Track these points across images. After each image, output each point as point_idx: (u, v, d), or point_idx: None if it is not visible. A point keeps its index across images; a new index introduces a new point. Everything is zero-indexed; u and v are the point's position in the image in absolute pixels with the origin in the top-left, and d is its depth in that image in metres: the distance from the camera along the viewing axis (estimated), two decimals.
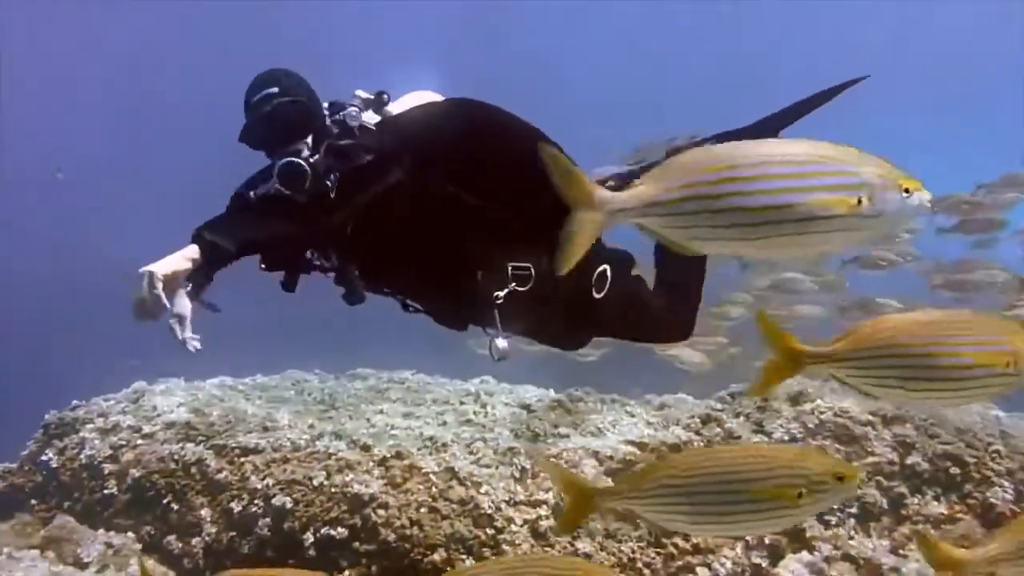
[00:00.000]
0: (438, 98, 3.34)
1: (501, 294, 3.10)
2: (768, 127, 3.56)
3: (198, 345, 2.85)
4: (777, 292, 7.86)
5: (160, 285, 2.57)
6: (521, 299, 3.15)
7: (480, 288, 3.10)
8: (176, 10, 22.25)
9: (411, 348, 8.19)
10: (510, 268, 3.13)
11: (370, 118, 3.10)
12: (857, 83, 3.58)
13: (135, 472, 4.91)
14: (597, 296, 3.35)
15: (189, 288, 2.97)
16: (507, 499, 4.63)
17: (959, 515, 4.56)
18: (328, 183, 2.93)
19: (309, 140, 2.98)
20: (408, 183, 2.99)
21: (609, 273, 3.38)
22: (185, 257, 2.69)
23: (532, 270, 3.16)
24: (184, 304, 2.89)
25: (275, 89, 2.98)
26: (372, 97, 3.13)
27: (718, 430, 5.22)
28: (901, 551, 4.38)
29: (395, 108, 3.19)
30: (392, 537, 4.43)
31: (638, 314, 3.62)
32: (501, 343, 3.17)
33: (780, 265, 7.87)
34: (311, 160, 2.92)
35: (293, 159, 2.90)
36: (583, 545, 4.41)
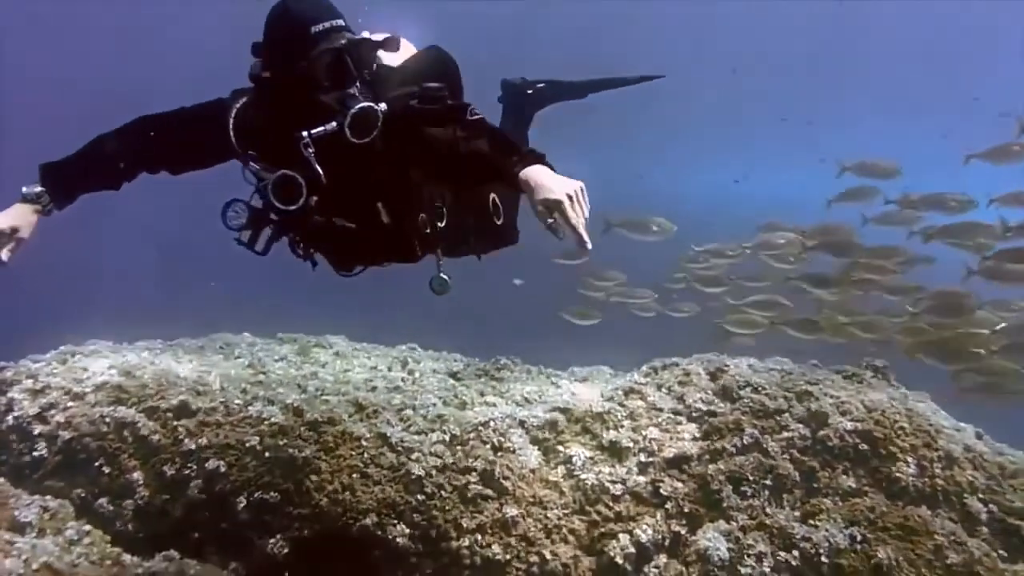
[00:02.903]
0: (411, 46, 3.36)
1: (441, 225, 3.34)
2: (584, 87, 4.80)
3: (5, 259, 2.87)
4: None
5: None
6: (446, 231, 3.40)
7: (426, 226, 3.31)
8: None
9: (333, 312, 8.24)
10: (434, 208, 3.35)
11: None
12: (655, 79, 4.80)
13: (65, 434, 4.85)
14: (499, 222, 3.72)
15: (47, 207, 3.02)
16: (437, 465, 4.75)
17: (866, 488, 4.81)
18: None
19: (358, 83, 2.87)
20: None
21: (499, 200, 3.71)
22: None
23: (443, 208, 3.38)
24: (31, 222, 2.95)
25: (341, 22, 2.86)
26: (379, 40, 3.02)
27: (640, 402, 5.39)
28: (811, 521, 4.60)
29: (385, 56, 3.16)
30: (324, 502, 4.52)
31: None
32: (444, 276, 3.41)
33: None
34: (379, 107, 2.82)
35: (371, 104, 2.80)
36: (511, 510, 4.55)
